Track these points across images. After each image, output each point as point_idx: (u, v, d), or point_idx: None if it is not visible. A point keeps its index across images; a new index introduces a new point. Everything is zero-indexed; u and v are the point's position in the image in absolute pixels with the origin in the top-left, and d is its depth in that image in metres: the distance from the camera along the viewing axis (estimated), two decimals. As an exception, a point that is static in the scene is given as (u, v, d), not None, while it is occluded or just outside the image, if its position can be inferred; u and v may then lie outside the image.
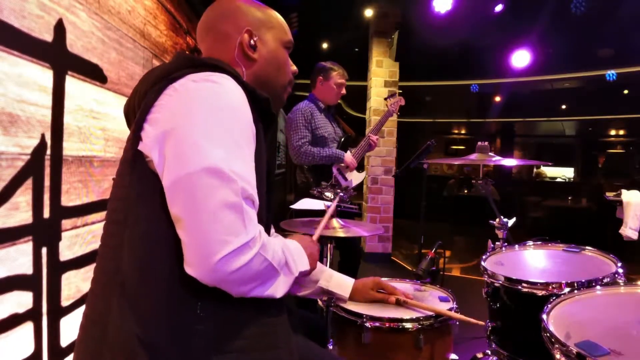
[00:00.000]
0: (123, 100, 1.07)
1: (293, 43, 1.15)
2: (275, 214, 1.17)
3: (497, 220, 1.99)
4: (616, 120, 11.31)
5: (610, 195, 3.68)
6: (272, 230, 1.27)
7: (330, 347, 1.37)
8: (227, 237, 0.80)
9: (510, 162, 2.08)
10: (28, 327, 1.26)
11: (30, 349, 1.26)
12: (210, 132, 0.84)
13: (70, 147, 1.45)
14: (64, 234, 1.43)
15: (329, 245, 1.64)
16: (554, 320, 1.06)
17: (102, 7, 1.64)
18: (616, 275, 1.34)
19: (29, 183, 1.24)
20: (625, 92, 8.81)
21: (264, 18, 1.10)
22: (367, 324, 1.31)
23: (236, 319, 0.89)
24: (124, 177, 0.93)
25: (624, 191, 3.58)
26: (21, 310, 1.22)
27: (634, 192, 3.54)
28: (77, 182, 1.51)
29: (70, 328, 1.44)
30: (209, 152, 0.82)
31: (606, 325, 1.04)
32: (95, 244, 1.61)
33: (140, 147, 0.89)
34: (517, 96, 9.49)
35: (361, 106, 6.01)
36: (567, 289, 1.31)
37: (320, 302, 1.47)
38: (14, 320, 1.19)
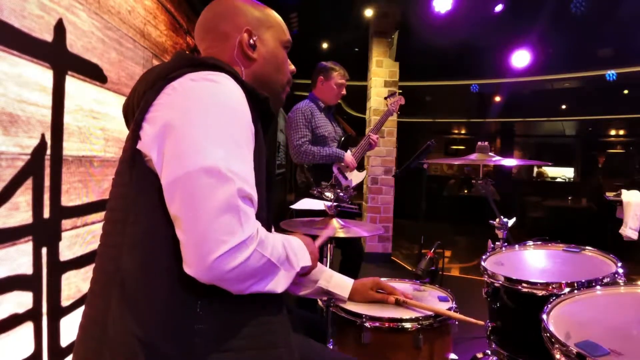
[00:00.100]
0: (123, 100, 1.07)
1: (291, 42, 1.16)
2: (275, 214, 1.17)
3: (497, 220, 1.99)
4: (616, 120, 11.31)
5: (610, 195, 3.69)
6: (272, 229, 1.27)
7: (330, 347, 1.37)
8: (223, 236, 0.80)
9: (510, 162, 2.08)
10: (28, 327, 1.26)
11: (30, 349, 1.26)
12: (209, 131, 0.85)
13: (70, 147, 1.45)
14: (64, 234, 1.43)
15: (329, 245, 1.64)
16: (554, 320, 1.06)
17: (102, 7, 1.64)
18: (616, 275, 1.34)
19: (29, 183, 1.24)
20: (625, 92, 8.81)
21: (262, 17, 1.11)
22: (367, 324, 1.31)
23: (236, 318, 0.89)
24: (123, 176, 0.93)
25: (624, 191, 3.58)
26: (21, 310, 1.22)
27: (634, 192, 3.55)
28: (77, 182, 1.51)
29: (70, 328, 1.44)
30: (207, 151, 0.83)
31: (606, 325, 1.04)
32: (95, 244, 1.60)
33: (139, 146, 0.89)
34: (517, 96, 9.49)
35: (361, 106, 6.01)
36: (567, 289, 1.31)
37: (320, 302, 1.48)
38: (14, 320, 1.19)
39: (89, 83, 1.57)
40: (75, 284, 1.50)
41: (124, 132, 1.02)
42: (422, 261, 2.04)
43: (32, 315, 1.27)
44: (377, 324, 1.31)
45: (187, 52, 1.14)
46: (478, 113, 11.09)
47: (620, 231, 3.50)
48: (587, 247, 1.64)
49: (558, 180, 12.06)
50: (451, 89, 9.31)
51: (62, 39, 1.38)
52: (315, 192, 1.77)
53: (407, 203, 5.52)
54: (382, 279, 1.52)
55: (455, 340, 1.43)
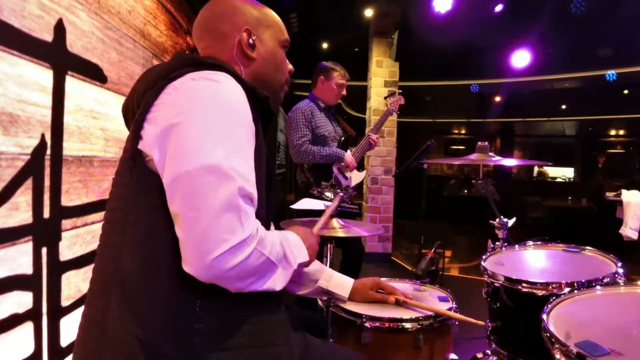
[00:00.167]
0: (123, 100, 1.07)
1: (289, 42, 1.16)
2: (275, 213, 1.17)
3: (497, 220, 1.99)
4: (616, 120, 11.30)
5: (610, 195, 3.69)
6: (272, 228, 1.27)
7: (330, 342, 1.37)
8: (223, 235, 0.80)
9: (510, 162, 2.08)
10: (28, 327, 1.26)
11: (30, 349, 1.26)
12: (210, 130, 0.85)
13: (70, 147, 1.45)
14: (64, 234, 1.43)
15: (329, 245, 1.64)
16: (554, 320, 1.06)
17: (102, 7, 1.64)
18: (616, 275, 1.34)
19: (29, 183, 1.24)
20: (625, 92, 8.81)
21: (261, 17, 1.11)
22: (367, 324, 1.31)
23: (235, 316, 0.89)
24: (123, 176, 0.93)
25: (624, 191, 3.58)
26: (21, 310, 1.22)
27: (634, 192, 3.55)
28: (77, 182, 1.51)
29: (70, 328, 1.44)
30: (208, 150, 0.83)
31: (606, 325, 1.04)
32: (95, 244, 1.60)
33: (140, 146, 0.89)
34: (517, 96, 9.49)
35: (361, 106, 6.01)
36: (567, 289, 1.31)
37: (320, 302, 1.48)
38: (14, 320, 1.19)
39: (89, 83, 1.57)
40: (75, 284, 1.50)
41: (124, 132, 1.02)
42: (422, 261, 2.04)
43: (32, 315, 1.27)
44: (377, 324, 1.31)
45: (187, 52, 1.14)
46: (478, 113, 11.09)
47: (620, 231, 3.50)
48: (587, 247, 1.64)
49: (558, 180, 12.06)
50: (451, 89, 9.30)
51: (62, 39, 1.38)
52: (315, 192, 1.77)
53: (407, 203, 5.52)
54: (382, 279, 1.52)
55: (455, 340, 1.43)
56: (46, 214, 1.32)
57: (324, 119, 2.97)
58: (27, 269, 1.25)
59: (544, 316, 1.06)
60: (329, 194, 1.65)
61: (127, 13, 1.86)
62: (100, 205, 1.66)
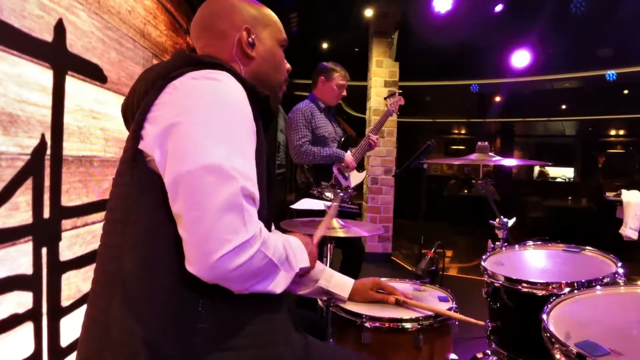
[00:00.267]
0: (123, 100, 1.07)
1: (287, 41, 1.16)
2: (276, 213, 1.18)
3: (497, 220, 1.99)
4: (616, 120, 11.31)
5: (610, 195, 3.69)
6: (273, 227, 1.27)
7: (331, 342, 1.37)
8: (227, 235, 0.80)
9: (510, 162, 2.08)
10: (28, 327, 1.26)
11: (30, 349, 1.26)
12: (211, 129, 0.85)
13: (70, 147, 1.45)
14: (64, 234, 1.43)
15: (329, 245, 1.64)
16: (554, 320, 1.06)
17: (102, 7, 1.64)
18: (616, 275, 1.34)
19: (29, 183, 1.24)
20: (625, 92, 8.81)
21: (259, 16, 1.11)
22: (367, 324, 1.31)
23: (237, 316, 0.89)
24: (124, 176, 0.93)
25: (624, 191, 3.59)
26: (21, 310, 1.22)
27: (634, 192, 3.55)
28: (77, 182, 1.51)
29: (70, 328, 1.44)
30: (210, 149, 0.83)
31: (606, 325, 1.04)
32: (95, 244, 1.61)
33: (141, 145, 0.89)
34: (517, 96, 9.49)
35: (361, 106, 6.01)
36: (567, 289, 1.31)
37: (320, 302, 1.47)
38: (14, 320, 1.19)
39: (89, 83, 1.57)
40: (75, 284, 1.50)
41: (124, 132, 1.02)
42: (422, 261, 2.04)
43: (32, 315, 1.27)
44: (377, 324, 1.31)
45: (186, 52, 1.14)
46: (478, 113, 11.09)
47: (620, 231, 3.50)
48: (587, 247, 1.64)
49: (558, 180, 12.06)
50: (451, 89, 9.31)
51: (62, 39, 1.38)
52: (315, 192, 1.77)
53: (407, 203, 5.52)
54: (382, 279, 1.52)
55: (455, 340, 1.43)
56: (46, 214, 1.32)
57: (324, 119, 2.97)
58: (27, 269, 1.25)
59: (544, 316, 1.06)
60: (329, 194, 1.65)
61: (127, 13, 1.86)
62: (100, 205, 1.66)
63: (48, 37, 1.31)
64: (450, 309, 1.38)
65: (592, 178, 10.17)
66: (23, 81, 1.20)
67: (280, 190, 7.52)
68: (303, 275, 1.09)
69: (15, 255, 1.19)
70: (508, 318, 1.56)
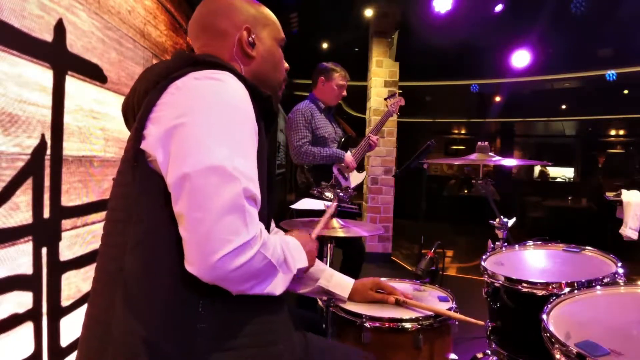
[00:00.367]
0: (123, 100, 1.07)
1: (285, 41, 1.16)
2: (276, 213, 1.18)
3: (497, 220, 1.99)
4: (616, 120, 11.31)
5: (610, 195, 3.69)
6: (273, 225, 1.27)
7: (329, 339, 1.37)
8: (228, 236, 0.80)
9: (510, 162, 2.08)
10: (28, 327, 1.26)
11: (30, 349, 1.26)
12: (213, 129, 0.85)
13: (70, 147, 1.45)
14: (64, 234, 1.43)
15: (329, 245, 1.64)
16: (554, 320, 1.06)
17: (102, 7, 1.64)
18: (616, 275, 1.34)
19: (29, 183, 1.24)
20: (625, 92, 8.81)
21: (259, 15, 1.11)
22: (367, 324, 1.31)
23: (237, 316, 0.89)
24: (125, 176, 0.93)
25: (624, 191, 3.59)
26: (21, 310, 1.22)
27: (634, 192, 3.55)
28: (77, 182, 1.51)
29: (70, 328, 1.44)
30: (212, 150, 0.83)
31: (606, 325, 1.04)
32: (95, 244, 1.61)
33: (143, 145, 0.89)
34: (517, 96, 9.49)
35: (361, 106, 6.01)
36: (567, 289, 1.31)
37: (320, 302, 1.47)
38: (14, 320, 1.19)
39: (89, 83, 1.57)
40: (75, 284, 1.50)
41: (124, 132, 1.03)
42: (422, 261, 2.04)
43: (32, 315, 1.27)
44: (377, 324, 1.31)
45: (187, 52, 1.14)
46: (478, 113, 11.10)
47: (620, 231, 3.50)
48: (587, 247, 1.64)
49: (558, 180, 12.06)
50: (451, 89, 9.31)
51: (62, 39, 1.38)
52: (315, 192, 1.77)
53: (407, 203, 5.52)
54: (382, 279, 1.52)
55: (455, 340, 1.43)
56: (46, 214, 1.32)
57: (324, 120, 2.97)
58: (27, 269, 1.25)
59: (544, 316, 1.06)
60: (329, 194, 1.65)
61: (127, 13, 1.86)
62: (100, 205, 1.66)
63: (48, 37, 1.31)
64: (450, 309, 1.38)
65: (592, 178, 10.18)
66: (23, 81, 1.20)
67: (280, 190, 7.52)
68: (303, 273, 1.09)
69: (15, 255, 1.19)
70: (508, 318, 1.56)
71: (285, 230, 1.27)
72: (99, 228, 1.57)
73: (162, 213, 0.86)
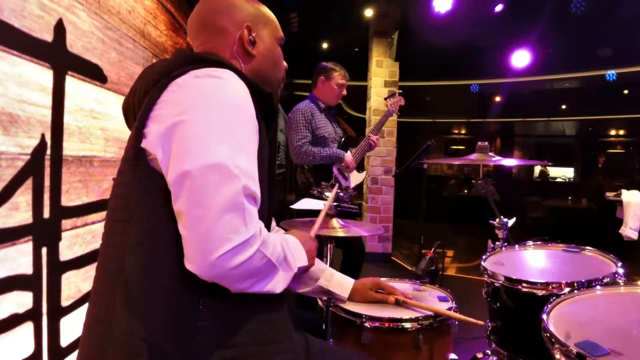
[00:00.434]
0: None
1: (284, 40, 1.16)
2: (276, 214, 1.18)
3: (497, 220, 1.99)
4: (616, 120, 11.31)
5: (610, 195, 3.69)
6: (273, 224, 1.27)
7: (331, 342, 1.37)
8: (227, 234, 0.80)
9: (510, 162, 2.08)
10: (28, 327, 1.26)
11: (30, 349, 1.26)
12: (214, 127, 0.85)
13: (70, 147, 1.45)
14: (64, 234, 1.43)
15: (329, 245, 1.64)
16: (554, 320, 1.06)
17: (102, 7, 1.64)
18: (616, 275, 1.34)
19: (29, 183, 1.24)
20: (625, 92, 8.81)
21: (258, 14, 1.11)
22: (367, 324, 1.31)
23: (237, 314, 0.89)
24: (125, 175, 0.93)
25: (624, 191, 3.59)
26: (21, 310, 1.22)
27: (634, 192, 3.55)
28: (77, 182, 1.51)
29: (70, 328, 1.44)
30: (213, 148, 0.83)
31: (606, 325, 1.04)
32: (95, 244, 1.61)
33: (144, 144, 0.89)
34: (517, 96, 9.49)
35: (361, 106, 6.01)
36: (567, 289, 1.31)
37: (320, 302, 1.47)
38: (14, 320, 1.19)
39: (89, 83, 1.57)
40: (75, 284, 1.50)
41: (124, 132, 1.03)
42: (422, 261, 2.04)
43: (32, 315, 1.27)
44: (377, 324, 1.31)
45: (187, 51, 1.14)
46: (478, 113, 11.10)
47: (620, 231, 3.50)
48: (587, 247, 1.64)
49: (558, 180, 12.06)
50: (451, 89, 9.31)
51: (62, 39, 1.38)
52: (315, 192, 1.77)
53: (407, 203, 5.52)
54: (382, 279, 1.52)
55: (455, 340, 1.43)
56: (46, 214, 1.32)
57: (324, 119, 2.97)
58: (27, 269, 1.25)
59: (544, 316, 1.06)
60: (329, 194, 1.65)
61: (127, 13, 1.86)
62: (100, 205, 1.66)
63: (48, 37, 1.31)
64: (450, 309, 1.38)
65: (592, 178, 10.18)
66: (23, 81, 1.20)
67: (280, 190, 7.52)
68: (302, 272, 1.09)
69: (15, 255, 1.19)
70: (508, 318, 1.56)
71: (285, 230, 1.27)
72: (99, 228, 1.57)
73: (162, 213, 0.86)
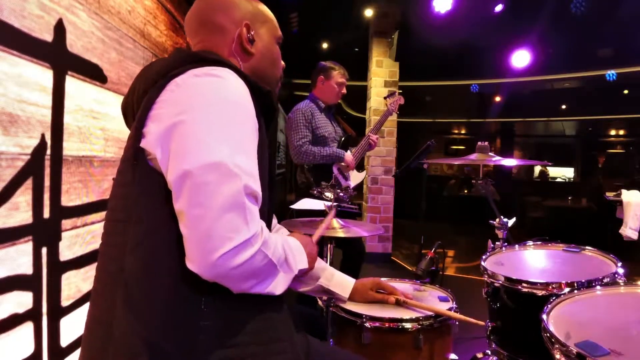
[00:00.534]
0: (123, 100, 1.07)
1: (282, 38, 1.16)
2: (276, 214, 1.18)
3: (497, 220, 1.99)
4: (616, 120, 11.31)
5: (610, 195, 3.69)
6: (275, 222, 1.27)
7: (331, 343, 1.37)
8: (229, 233, 0.80)
9: (510, 162, 2.08)
10: (28, 327, 1.26)
11: (30, 349, 1.26)
12: (214, 126, 0.84)
13: (70, 147, 1.45)
14: (64, 234, 1.43)
15: (329, 245, 1.64)
16: (554, 320, 1.06)
17: (102, 7, 1.64)
18: (616, 275, 1.34)
19: (29, 183, 1.24)
20: (625, 92, 8.81)
21: (257, 12, 1.11)
22: (367, 324, 1.31)
23: (238, 314, 0.89)
24: (125, 175, 0.93)
25: (624, 191, 3.59)
26: (21, 310, 1.22)
27: (634, 192, 3.55)
28: (77, 182, 1.51)
29: (70, 328, 1.44)
30: (213, 147, 0.82)
31: (606, 325, 1.04)
32: (95, 244, 1.61)
33: (143, 144, 0.88)
34: (517, 96, 9.49)
35: (361, 106, 6.01)
36: (567, 289, 1.31)
37: (320, 302, 1.47)
38: (14, 320, 1.19)
39: (89, 83, 1.57)
40: (75, 284, 1.50)
41: (124, 132, 1.03)
42: (422, 261, 2.04)
43: (32, 315, 1.27)
44: (377, 324, 1.31)
45: (186, 50, 1.14)
46: (478, 113, 11.09)
47: (620, 231, 3.50)
48: (587, 247, 1.63)
49: (558, 180, 12.06)
50: (451, 89, 9.31)
51: (62, 39, 1.38)
52: (315, 192, 1.77)
53: (407, 203, 5.52)
54: (382, 279, 1.52)
55: (455, 340, 1.43)
56: (46, 214, 1.32)
57: (324, 119, 2.97)
58: (27, 269, 1.25)
59: (544, 316, 1.06)
60: (329, 194, 1.65)
61: (127, 13, 1.86)
62: (100, 205, 1.66)
63: (48, 37, 1.31)
64: (450, 309, 1.38)
65: (592, 178, 10.18)
66: (23, 81, 1.20)
67: (280, 190, 7.52)
68: (303, 274, 1.09)
69: (15, 255, 1.19)
70: (508, 318, 1.56)
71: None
72: (99, 228, 1.57)
73: (162, 212, 0.86)
